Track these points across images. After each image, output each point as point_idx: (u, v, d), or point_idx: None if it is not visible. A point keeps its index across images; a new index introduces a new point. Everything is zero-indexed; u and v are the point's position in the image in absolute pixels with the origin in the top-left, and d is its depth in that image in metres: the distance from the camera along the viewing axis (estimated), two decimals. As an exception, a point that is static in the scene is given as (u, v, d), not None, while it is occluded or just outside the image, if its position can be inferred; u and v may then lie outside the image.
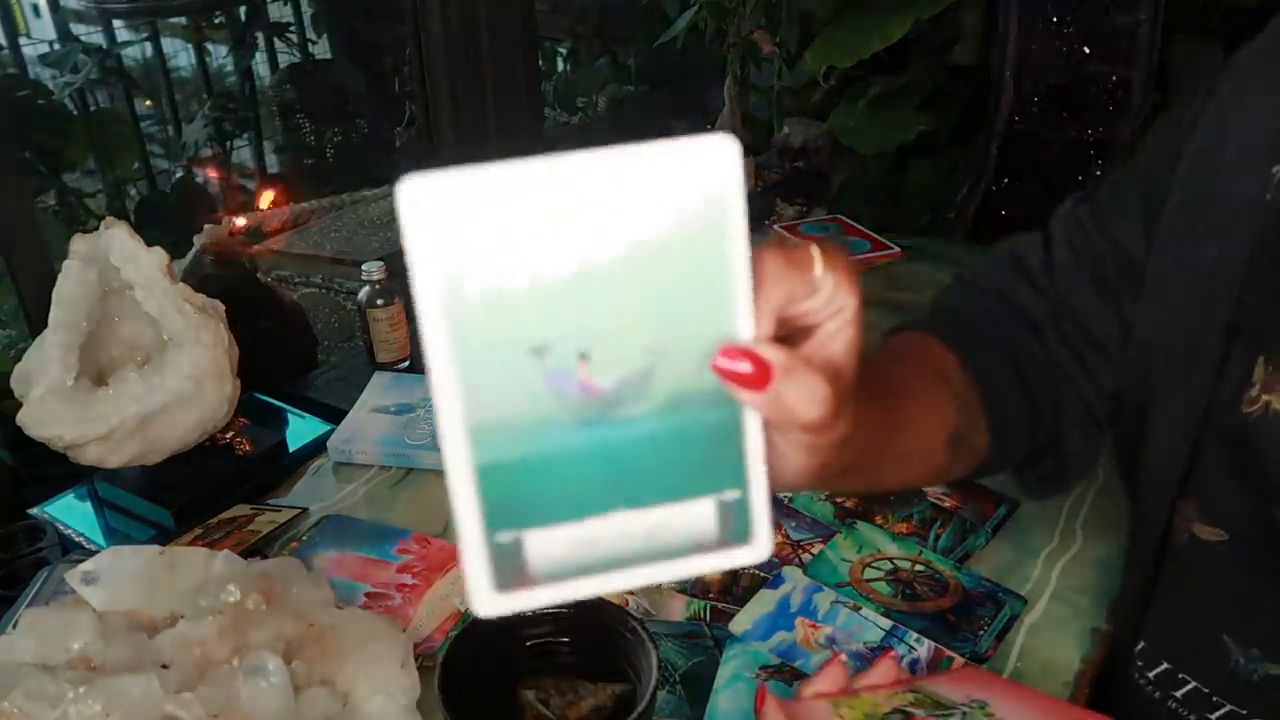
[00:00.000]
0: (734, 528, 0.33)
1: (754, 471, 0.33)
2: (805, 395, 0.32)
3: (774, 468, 0.35)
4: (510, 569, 0.31)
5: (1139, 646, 0.63)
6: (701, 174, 0.30)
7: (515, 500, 0.30)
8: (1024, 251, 0.62)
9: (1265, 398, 0.50)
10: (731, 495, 0.32)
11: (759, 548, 0.33)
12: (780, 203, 1.56)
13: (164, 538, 0.83)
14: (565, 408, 0.30)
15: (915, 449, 0.53)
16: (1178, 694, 0.60)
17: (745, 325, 0.31)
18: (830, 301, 0.33)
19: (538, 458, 0.30)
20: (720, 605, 0.75)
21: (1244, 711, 0.57)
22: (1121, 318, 0.58)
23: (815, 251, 0.32)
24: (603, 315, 0.30)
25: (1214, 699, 0.58)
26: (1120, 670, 0.66)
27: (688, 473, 0.32)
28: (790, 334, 0.34)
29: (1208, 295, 0.52)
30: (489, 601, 0.31)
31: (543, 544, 0.31)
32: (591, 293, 0.30)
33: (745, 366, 0.30)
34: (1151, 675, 0.62)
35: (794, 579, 0.77)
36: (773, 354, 0.31)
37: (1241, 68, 0.53)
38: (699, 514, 0.32)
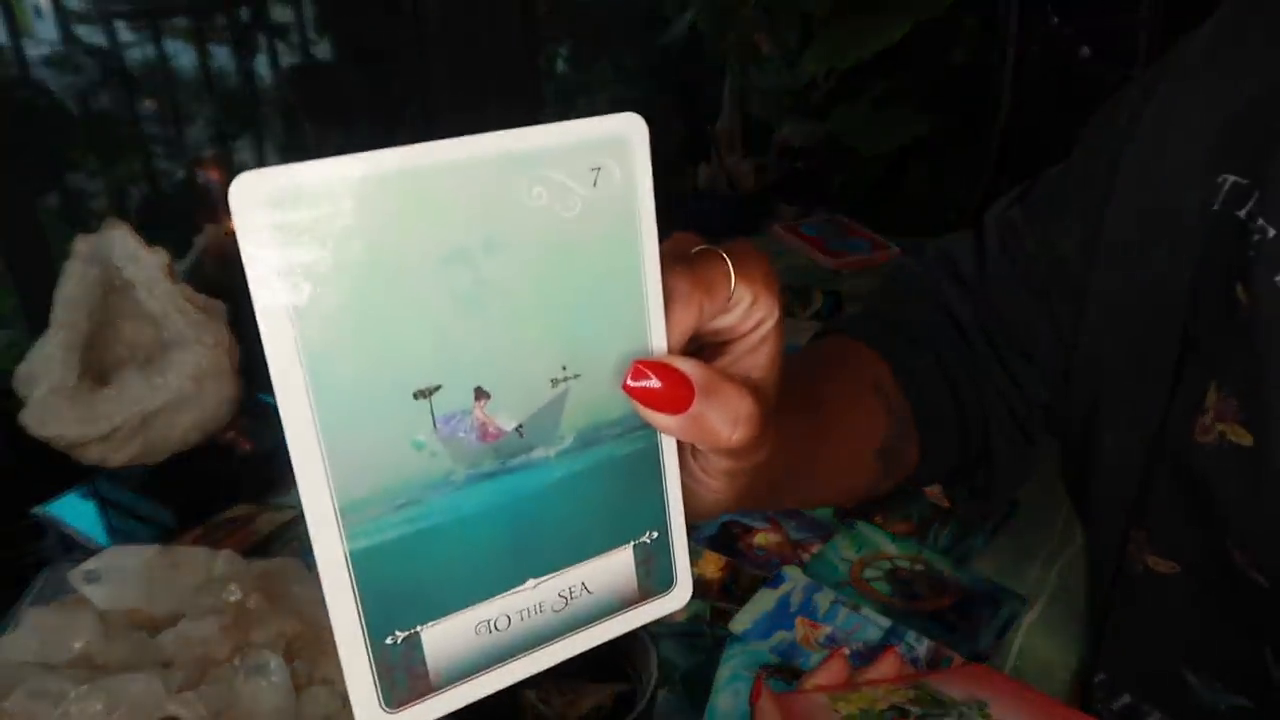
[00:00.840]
0: (655, 574, 0.29)
1: (674, 508, 0.29)
2: (729, 415, 0.28)
3: (691, 498, 0.32)
4: (403, 680, 0.26)
5: (1099, 678, 0.60)
6: (604, 159, 0.25)
7: (403, 592, 0.25)
8: (956, 252, 0.59)
9: (1219, 427, 0.46)
10: (650, 537, 0.29)
11: (681, 591, 0.30)
12: (780, 203, 1.56)
13: (165, 537, 0.83)
14: (460, 460, 0.25)
15: (845, 463, 0.50)
16: (1114, 707, 0.58)
17: (659, 338, 0.27)
18: (747, 316, 0.30)
19: (427, 530, 0.25)
20: (720, 605, 0.75)
21: None
22: (1056, 328, 0.54)
23: (729, 264, 0.29)
24: (500, 340, 0.25)
25: None
26: (1088, 701, 0.63)
27: (605, 520, 0.28)
28: (703, 351, 0.31)
29: (1157, 311, 0.49)
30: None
31: (439, 640, 0.26)
32: (485, 312, 0.24)
33: (658, 385, 0.26)
34: (1115, 708, 0.59)
35: (794, 578, 0.77)
36: (690, 369, 0.27)
37: (1181, 67, 0.50)
38: (617, 566, 0.28)
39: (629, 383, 0.27)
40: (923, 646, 0.71)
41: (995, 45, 1.76)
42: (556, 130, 0.24)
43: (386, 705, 0.25)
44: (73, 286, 0.87)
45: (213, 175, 1.56)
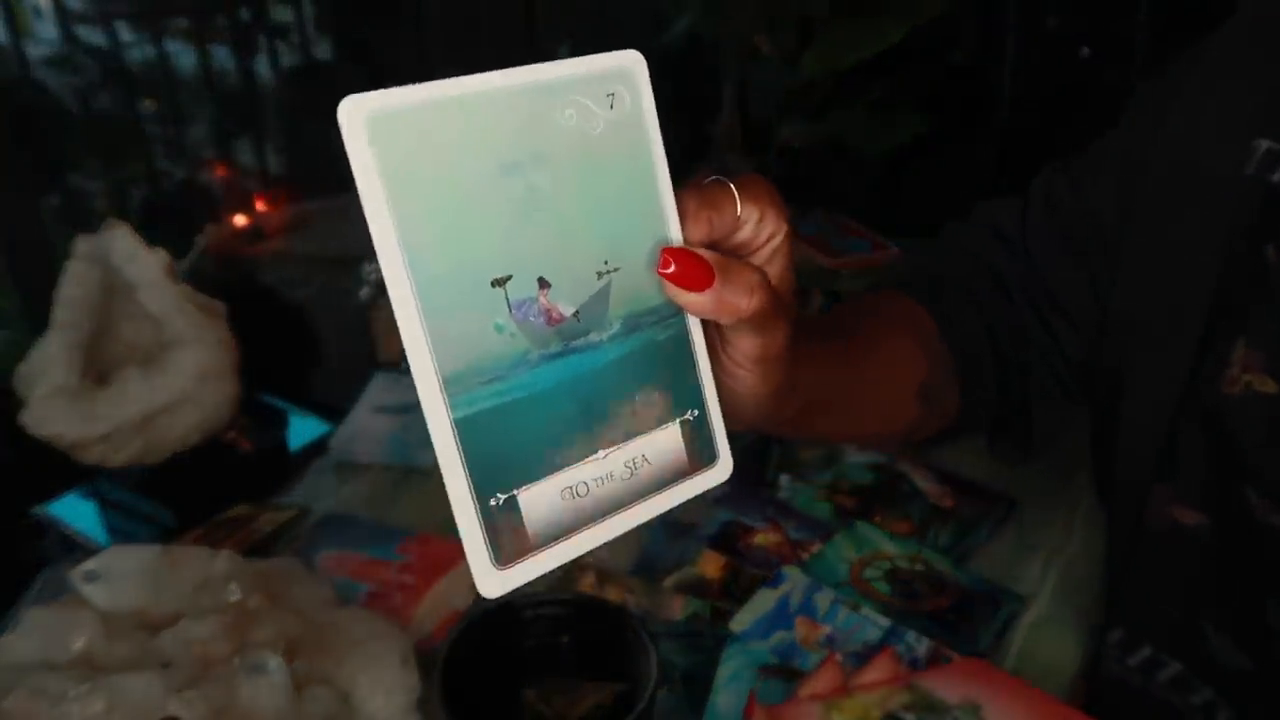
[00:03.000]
0: (700, 449, 0.34)
1: (707, 387, 0.34)
2: (743, 287, 0.32)
3: (730, 393, 0.37)
4: (508, 538, 0.30)
5: (1115, 636, 0.62)
6: (618, 85, 0.31)
7: (499, 457, 0.30)
8: (1002, 216, 0.62)
9: (1246, 378, 0.49)
10: (692, 415, 0.34)
11: (724, 465, 0.35)
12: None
13: (166, 537, 0.83)
14: (532, 341, 0.30)
15: (886, 396, 0.53)
16: (1160, 677, 0.60)
17: (677, 232, 0.33)
18: (757, 232, 0.35)
19: (514, 403, 0.30)
20: (720, 605, 0.75)
21: (1223, 699, 0.57)
22: (1094, 287, 0.57)
23: (734, 189, 0.34)
24: (553, 238, 0.30)
25: (1195, 682, 0.58)
26: (1096, 664, 0.65)
27: (654, 395, 0.33)
28: None
29: (1189, 271, 0.51)
30: (492, 581, 0.30)
31: (534, 502, 0.30)
32: (538, 215, 0.29)
33: (685, 268, 0.31)
34: (1132, 663, 0.61)
35: (793, 578, 0.77)
36: (707, 254, 0.32)
37: (1225, 37, 0.53)
38: (669, 440, 0.33)
39: (659, 268, 0.32)
40: (922, 646, 0.71)
41: (995, 45, 1.76)
42: (576, 63, 0.30)
43: (497, 562, 0.29)
44: (73, 287, 0.87)
45: (213, 175, 1.56)
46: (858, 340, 0.52)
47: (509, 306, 0.29)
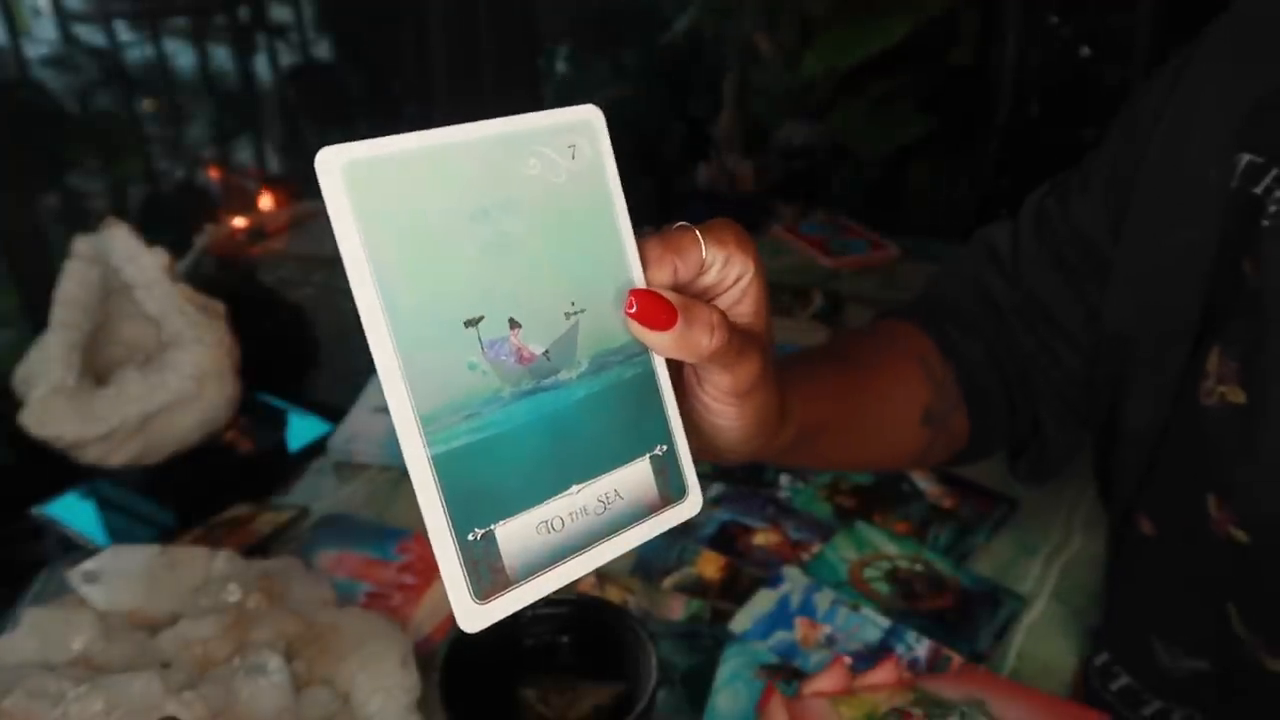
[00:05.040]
0: (670, 484, 0.35)
1: (674, 423, 0.35)
2: (704, 327, 0.33)
3: (715, 428, 0.38)
4: (487, 573, 0.31)
5: (1096, 640, 0.64)
6: (578, 137, 0.33)
7: (476, 492, 0.31)
8: (995, 239, 0.62)
9: (1220, 388, 0.50)
10: (661, 450, 0.35)
11: (693, 500, 0.35)
12: (780, 203, 1.56)
13: (165, 537, 0.83)
14: (505, 379, 0.31)
15: (889, 421, 0.54)
16: (1113, 688, 0.61)
17: (638, 275, 0.34)
18: (724, 274, 0.36)
19: (489, 439, 0.31)
20: (720, 605, 0.75)
21: (1172, 707, 0.57)
22: (1088, 306, 0.57)
23: (698, 234, 0.35)
24: (522, 281, 0.31)
25: (1144, 695, 0.59)
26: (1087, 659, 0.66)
27: (621, 433, 0.34)
28: None
29: (1177, 286, 0.52)
30: (472, 615, 0.31)
31: (512, 537, 0.31)
32: (508, 259, 0.31)
33: (648, 309, 0.33)
34: (1096, 665, 0.62)
35: (793, 579, 0.77)
36: (669, 295, 0.34)
37: (1206, 50, 0.53)
38: (639, 475, 0.34)
39: (626, 310, 0.33)
40: (922, 647, 0.71)
41: (995, 45, 1.76)
42: (539, 116, 0.32)
43: (476, 597, 0.30)
44: (73, 286, 0.87)
45: (212, 175, 1.56)
46: (858, 366, 0.53)
47: (481, 346, 0.30)
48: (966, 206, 1.86)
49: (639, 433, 0.34)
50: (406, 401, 0.29)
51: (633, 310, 0.33)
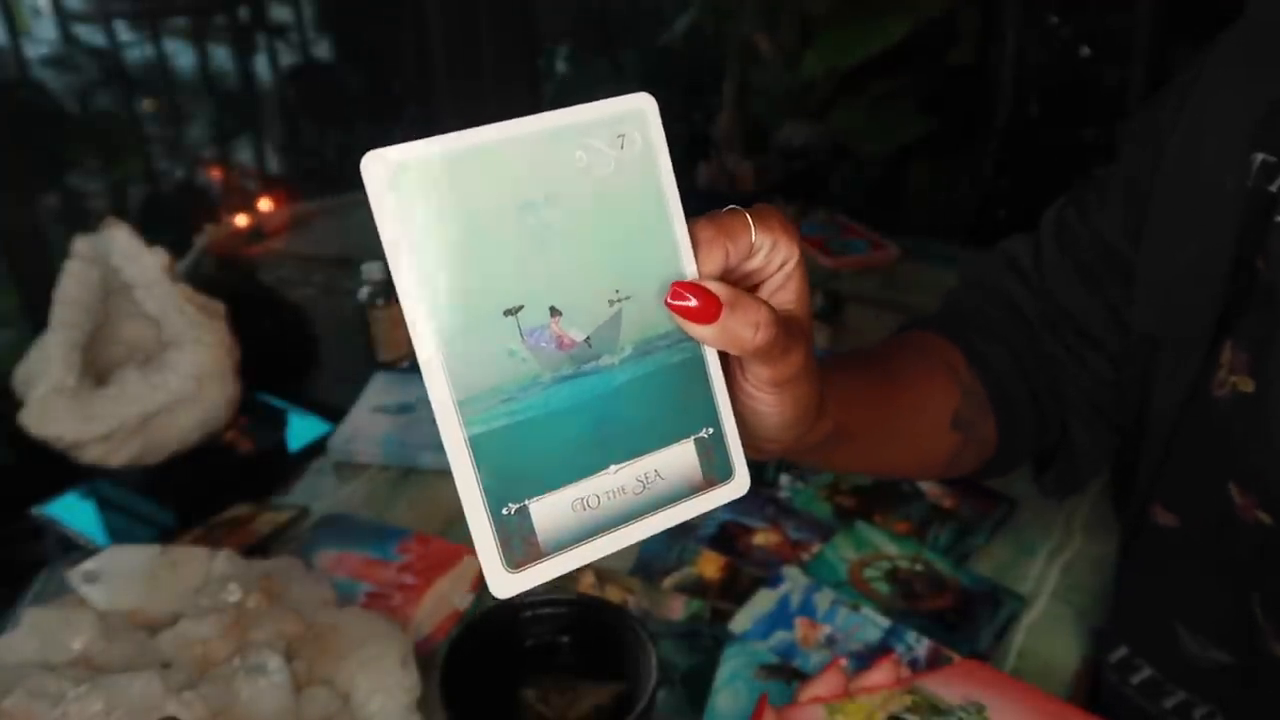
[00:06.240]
0: (716, 465, 0.35)
1: (723, 407, 0.35)
2: (750, 321, 0.33)
3: (755, 416, 0.38)
4: (519, 545, 0.32)
5: (1105, 629, 0.64)
6: (628, 127, 0.33)
7: (512, 470, 0.31)
8: (1016, 251, 0.63)
9: (1232, 379, 0.51)
10: (707, 433, 0.35)
11: (740, 482, 0.36)
12: (780, 203, 1.56)
13: (165, 537, 0.83)
14: (545, 365, 0.32)
15: (921, 425, 0.55)
16: (1134, 681, 0.61)
17: (689, 266, 0.34)
18: (770, 259, 0.36)
19: (527, 422, 0.31)
20: (720, 605, 0.75)
21: (1195, 700, 0.58)
22: (1113, 310, 0.58)
23: (748, 217, 0.35)
24: (565, 270, 0.32)
25: (1166, 686, 0.59)
26: (1097, 682, 0.66)
27: (665, 416, 0.34)
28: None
29: (1197, 290, 0.53)
30: (503, 582, 0.31)
31: (545, 513, 0.32)
32: (551, 250, 0.32)
33: (694, 302, 0.33)
34: (1112, 660, 0.63)
35: (793, 579, 0.77)
36: (716, 287, 0.33)
37: (1219, 56, 0.54)
38: (682, 457, 0.35)
39: (669, 301, 0.33)
40: (922, 647, 0.71)
41: (995, 45, 1.76)
42: (587, 109, 0.32)
43: (508, 565, 0.31)
44: (73, 286, 0.87)
45: (212, 175, 1.56)
46: (889, 377, 0.54)
47: (521, 334, 0.31)
48: (966, 206, 1.86)
49: (684, 415, 0.35)
50: (445, 386, 0.30)
51: (679, 303, 0.33)
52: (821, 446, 0.44)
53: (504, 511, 0.31)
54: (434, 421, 0.30)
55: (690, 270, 0.34)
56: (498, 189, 0.31)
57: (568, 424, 0.32)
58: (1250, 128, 0.50)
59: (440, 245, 0.30)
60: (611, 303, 0.33)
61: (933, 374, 0.56)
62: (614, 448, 0.33)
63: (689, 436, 0.35)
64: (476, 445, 0.31)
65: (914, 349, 0.59)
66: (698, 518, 0.35)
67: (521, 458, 0.31)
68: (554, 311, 0.32)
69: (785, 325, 0.35)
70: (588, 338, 0.32)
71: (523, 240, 0.31)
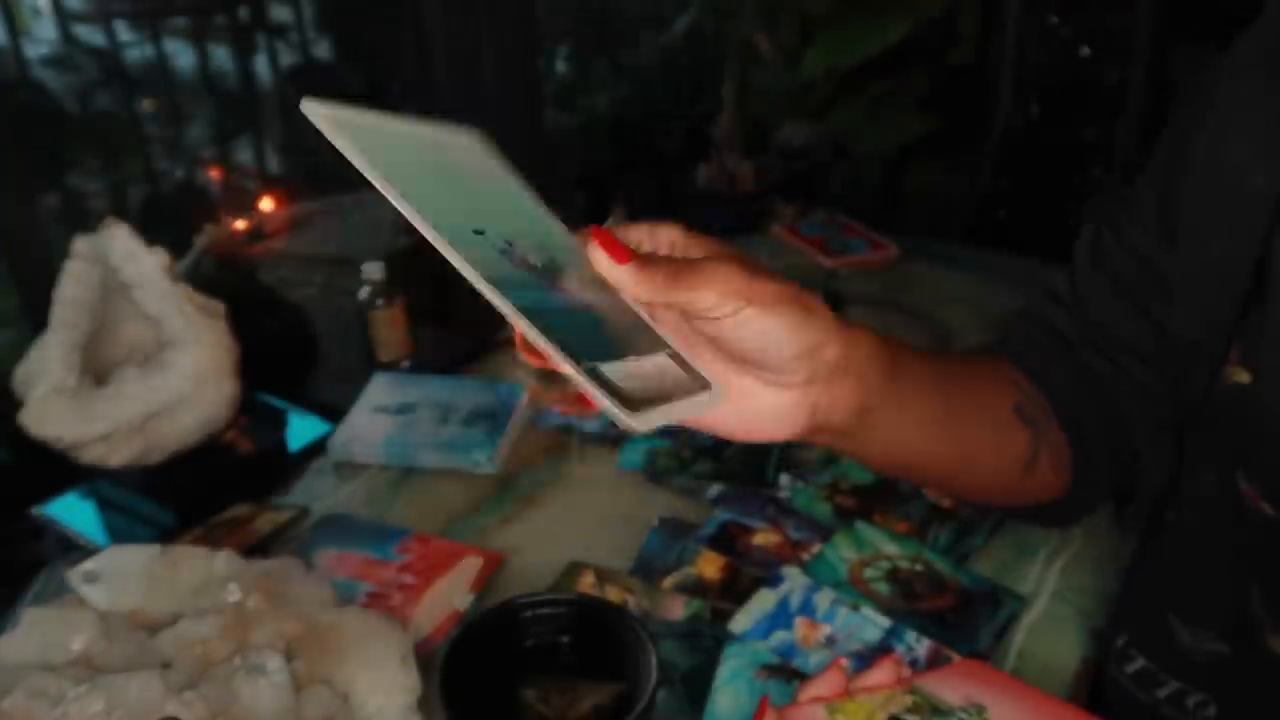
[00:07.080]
0: (696, 376, 0.38)
1: (667, 337, 0.39)
2: (700, 276, 0.37)
3: (751, 410, 0.41)
4: (617, 392, 0.34)
5: (1110, 620, 0.65)
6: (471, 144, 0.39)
7: (561, 338, 0.34)
8: (1053, 282, 0.64)
9: (1230, 370, 0.52)
10: (671, 351, 0.39)
11: (719, 389, 0.39)
12: (780, 203, 1.56)
13: (165, 537, 0.83)
14: (529, 273, 0.36)
15: (986, 418, 0.56)
16: (1128, 671, 0.61)
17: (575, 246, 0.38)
18: (717, 309, 0.38)
19: (543, 305, 0.35)
20: (720, 605, 0.75)
21: (1189, 689, 0.58)
22: (1153, 322, 0.59)
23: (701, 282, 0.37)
24: (502, 216, 0.37)
25: (1159, 677, 0.59)
26: (1100, 671, 0.67)
27: (642, 332, 0.38)
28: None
29: (1220, 288, 0.54)
30: (635, 420, 0.34)
31: (616, 374, 0.35)
32: (485, 201, 0.37)
33: (603, 248, 0.37)
34: (1114, 649, 0.63)
35: (793, 579, 0.77)
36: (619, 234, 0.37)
37: (1240, 63, 0.54)
38: (671, 364, 0.38)
39: (590, 247, 0.37)
40: (922, 647, 0.71)
41: (995, 45, 1.76)
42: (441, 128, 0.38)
43: (629, 409, 0.33)
44: (73, 286, 0.87)
45: (212, 175, 1.56)
46: (949, 372, 0.55)
47: (495, 248, 0.35)
48: (966, 206, 1.86)
49: (651, 336, 0.38)
50: (474, 273, 0.33)
51: (593, 245, 0.37)
52: (857, 444, 0.46)
53: (586, 367, 0.34)
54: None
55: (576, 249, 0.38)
56: (413, 152, 0.35)
57: (576, 318, 0.35)
58: (1275, 132, 0.51)
59: (401, 175, 0.33)
60: (542, 251, 0.37)
61: (990, 377, 0.58)
62: (620, 345, 0.36)
63: (662, 352, 0.38)
64: (524, 311, 0.33)
65: (964, 358, 0.60)
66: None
67: (562, 330, 0.34)
68: (509, 242, 0.36)
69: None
70: (543, 265, 0.36)
71: (451, 186, 0.36)
